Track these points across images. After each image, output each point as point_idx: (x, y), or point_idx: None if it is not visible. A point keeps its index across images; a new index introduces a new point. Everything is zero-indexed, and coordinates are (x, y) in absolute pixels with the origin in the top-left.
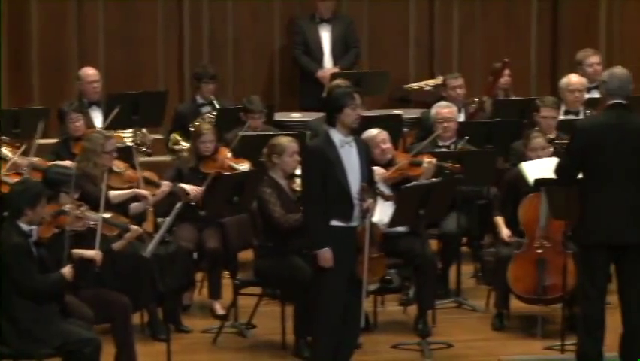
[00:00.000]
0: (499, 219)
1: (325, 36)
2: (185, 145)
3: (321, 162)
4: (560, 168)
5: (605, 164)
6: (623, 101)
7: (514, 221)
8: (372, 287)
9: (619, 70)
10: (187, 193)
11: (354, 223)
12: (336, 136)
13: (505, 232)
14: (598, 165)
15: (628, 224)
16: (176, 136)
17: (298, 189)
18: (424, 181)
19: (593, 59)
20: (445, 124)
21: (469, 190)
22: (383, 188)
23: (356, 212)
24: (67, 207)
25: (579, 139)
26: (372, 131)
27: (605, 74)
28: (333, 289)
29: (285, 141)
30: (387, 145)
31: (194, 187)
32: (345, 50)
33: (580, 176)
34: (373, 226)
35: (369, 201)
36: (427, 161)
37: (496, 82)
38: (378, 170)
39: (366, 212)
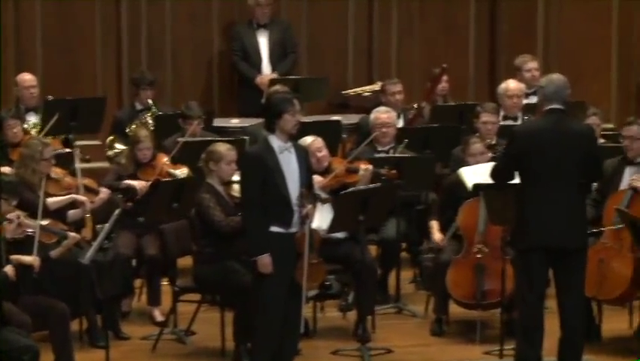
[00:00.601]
0: (434, 223)
1: (263, 42)
2: (119, 147)
3: (260, 168)
4: (496, 171)
5: (542, 168)
6: (560, 106)
7: (450, 225)
8: (312, 293)
9: (556, 76)
10: (134, 190)
11: (293, 229)
12: (276, 142)
13: (437, 236)
14: (535, 170)
15: (565, 228)
16: (111, 139)
17: (236, 195)
18: (364, 187)
19: (531, 64)
20: (384, 129)
21: (408, 196)
22: (323, 195)
23: (295, 218)
24: (8, 215)
25: (516, 143)
26: (307, 140)
27: (543, 80)
28: (273, 295)
29: (223, 148)
30: (323, 153)
31: (141, 182)
32: (284, 55)
33: (517, 181)
34: (313, 231)
35: (309, 207)
36: (364, 168)
37: (435, 88)
38: (315, 177)
39: (306, 218)
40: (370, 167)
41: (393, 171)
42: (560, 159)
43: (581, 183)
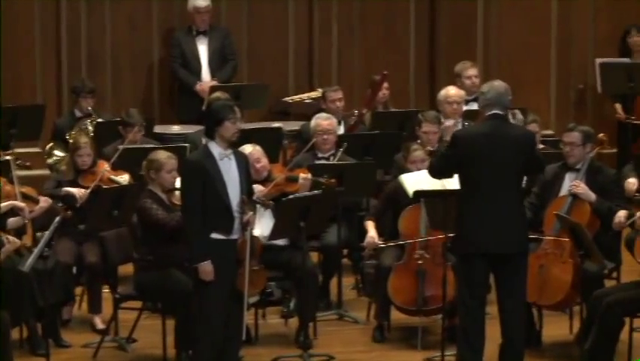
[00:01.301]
0: (369, 223)
1: (202, 48)
2: (59, 154)
3: (200, 175)
4: (434, 169)
5: (482, 173)
6: (500, 112)
7: (395, 233)
8: (253, 300)
9: (498, 82)
10: (73, 197)
11: (234, 236)
12: (216, 149)
13: (371, 234)
14: (475, 175)
15: (505, 234)
16: (50, 146)
17: (178, 202)
18: (304, 194)
19: (471, 71)
20: (325, 136)
21: (349, 202)
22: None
23: (236, 225)
24: None
25: (457, 148)
26: (247, 149)
27: (485, 86)
28: (214, 302)
29: (163, 156)
30: (262, 163)
31: (80, 189)
32: (223, 62)
33: (457, 186)
34: (254, 238)
35: (250, 213)
36: (303, 177)
37: (375, 94)
38: (256, 187)
39: (247, 225)
40: (309, 175)
41: (333, 180)
42: (501, 165)
43: (521, 188)
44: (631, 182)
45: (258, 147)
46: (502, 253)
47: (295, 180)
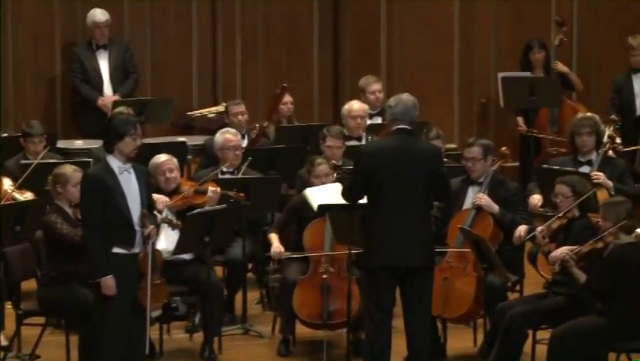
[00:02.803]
0: (273, 236)
1: (103, 63)
2: None
3: (100, 190)
4: (346, 190)
5: (388, 187)
6: (407, 126)
7: (299, 246)
8: (155, 314)
9: (405, 96)
10: None
11: (136, 250)
12: (115, 163)
13: (276, 245)
14: (382, 189)
15: (411, 247)
16: None
17: None
18: (208, 208)
19: (375, 86)
20: (237, 152)
21: (254, 216)
22: (170, 216)
23: (138, 238)
24: None
25: (364, 162)
26: (161, 158)
27: (392, 100)
28: (117, 316)
29: (69, 170)
30: (174, 174)
31: None
32: (125, 76)
33: (364, 200)
34: (155, 252)
35: (151, 227)
36: (212, 190)
37: (276, 107)
38: (162, 198)
39: (148, 238)
40: (218, 189)
41: (242, 194)
42: (407, 179)
43: (427, 202)
44: (536, 197)
45: (174, 159)
46: (408, 266)
47: (204, 193)
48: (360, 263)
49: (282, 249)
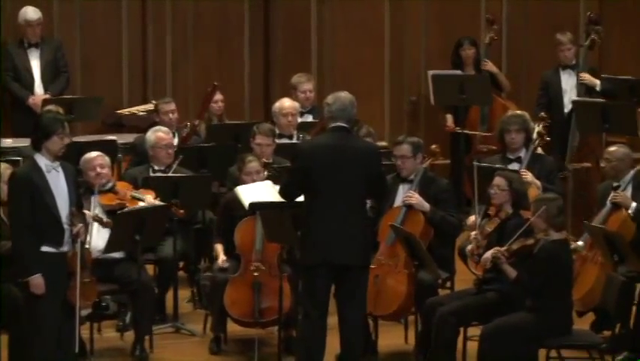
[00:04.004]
0: (219, 247)
1: (35, 62)
2: None
3: (28, 188)
4: (283, 188)
5: (325, 185)
6: (345, 124)
7: (232, 245)
8: (85, 312)
9: (344, 94)
10: None
11: (65, 248)
12: (43, 161)
13: (220, 258)
14: (318, 186)
15: (347, 245)
16: None
17: None
18: (139, 206)
19: (306, 85)
20: (170, 150)
21: (184, 215)
22: (101, 214)
23: (66, 237)
24: None
25: (301, 160)
26: (92, 154)
27: (330, 97)
28: (46, 315)
29: (2, 167)
30: (105, 170)
31: None
32: (56, 74)
33: (302, 198)
34: (84, 250)
35: (79, 225)
36: (150, 201)
37: (206, 105)
38: (96, 197)
39: (77, 236)
40: (157, 200)
41: (181, 211)
42: (344, 176)
43: (363, 200)
44: (471, 219)
45: (106, 156)
46: (344, 263)
47: (141, 200)
48: (298, 260)
49: (225, 259)
